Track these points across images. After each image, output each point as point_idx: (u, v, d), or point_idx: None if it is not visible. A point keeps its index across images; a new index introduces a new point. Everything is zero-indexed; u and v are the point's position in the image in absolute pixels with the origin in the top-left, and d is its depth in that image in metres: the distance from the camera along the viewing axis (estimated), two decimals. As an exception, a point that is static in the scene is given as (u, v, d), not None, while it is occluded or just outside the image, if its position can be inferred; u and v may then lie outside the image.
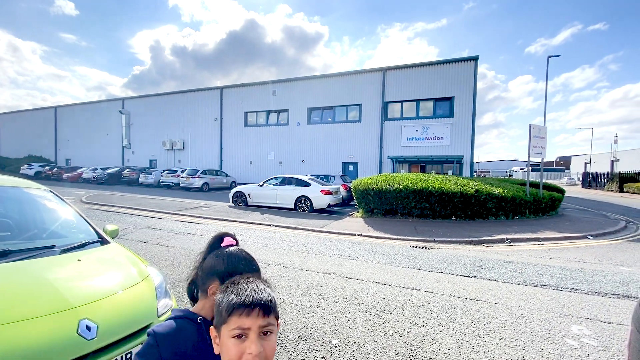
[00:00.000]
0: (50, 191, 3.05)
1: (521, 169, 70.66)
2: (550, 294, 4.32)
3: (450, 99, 19.56)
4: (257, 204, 12.83)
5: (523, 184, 13.67)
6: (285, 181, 12.81)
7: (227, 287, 0.83)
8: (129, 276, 2.24)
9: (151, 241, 6.62)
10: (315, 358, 2.68)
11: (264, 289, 0.82)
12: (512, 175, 62.07)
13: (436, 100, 20.03)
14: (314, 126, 23.73)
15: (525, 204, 10.58)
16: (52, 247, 2.33)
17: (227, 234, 1.17)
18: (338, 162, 22.67)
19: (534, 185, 12.96)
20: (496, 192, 10.13)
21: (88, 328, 1.69)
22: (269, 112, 25.67)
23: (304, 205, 11.97)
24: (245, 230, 8.45)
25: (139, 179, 23.53)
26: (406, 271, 5.18)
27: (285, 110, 24.86)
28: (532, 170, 13.93)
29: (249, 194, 12.99)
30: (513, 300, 4.04)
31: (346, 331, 3.14)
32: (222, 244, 1.14)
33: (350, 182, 15.46)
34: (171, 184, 21.65)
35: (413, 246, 7.10)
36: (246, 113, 26.39)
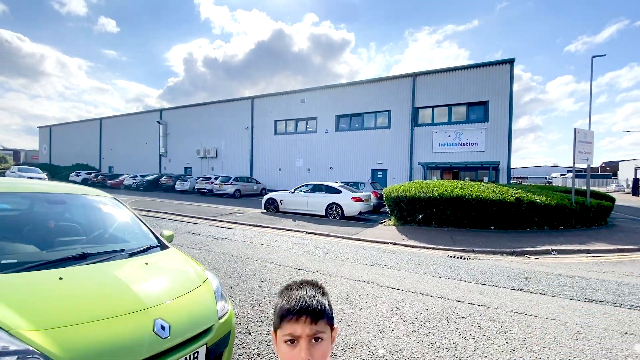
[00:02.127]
0: (115, 198, 3.32)
1: (561, 175, 66.54)
2: (607, 310, 4.04)
3: (484, 103, 18.93)
4: (288, 210, 13.02)
5: (566, 191, 12.88)
6: (316, 188, 12.93)
7: (282, 293, 0.87)
8: (190, 279, 2.39)
9: (193, 246, 6.92)
10: (363, 367, 2.68)
11: (314, 295, 0.83)
12: (551, 182, 58.59)
13: (469, 104, 19.46)
14: (342, 133, 23.82)
15: (571, 213, 9.96)
16: (122, 250, 2.54)
17: None
18: (367, 169, 22.54)
19: (580, 192, 12.18)
20: (539, 200, 9.63)
21: (162, 327, 1.82)
22: (297, 120, 26.11)
23: (334, 212, 12.00)
24: (279, 236, 8.60)
25: (175, 186, 24.66)
26: (447, 282, 5.05)
27: (314, 118, 25.17)
28: (577, 176, 13.09)
29: (280, 201, 13.22)
30: (566, 316, 3.82)
31: (391, 341, 3.11)
32: None
33: (381, 189, 15.32)
34: (205, 190, 22.49)
35: (451, 256, 6.90)
36: (276, 121, 27.00)
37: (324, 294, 0.87)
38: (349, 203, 11.77)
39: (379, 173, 22.27)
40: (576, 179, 13.79)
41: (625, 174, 56.98)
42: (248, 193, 22.49)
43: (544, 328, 3.48)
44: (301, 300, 0.81)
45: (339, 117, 24.06)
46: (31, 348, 1.45)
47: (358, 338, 3.15)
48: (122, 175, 30.02)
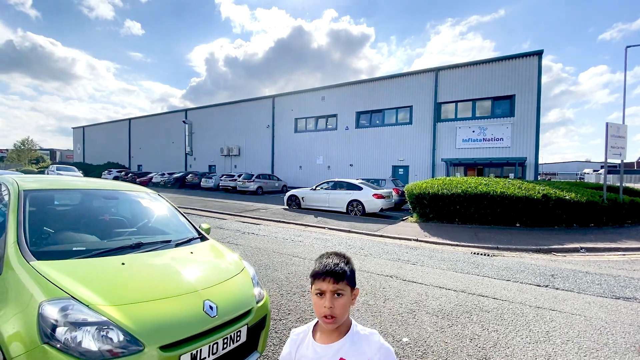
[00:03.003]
0: (159, 195, 3.64)
1: (594, 171, 63.17)
2: (635, 307, 3.99)
3: (510, 97, 18.38)
4: (310, 207, 13.27)
5: (598, 187, 12.37)
6: (337, 185, 13.10)
7: (317, 260, 1.12)
8: (230, 267, 2.64)
9: (222, 240, 7.29)
10: (388, 353, 2.85)
11: (338, 263, 1.07)
12: (583, 178, 55.80)
13: (494, 99, 18.94)
14: (363, 130, 23.80)
15: (602, 210, 9.61)
16: (169, 241, 2.82)
17: None
18: (387, 166, 22.45)
19: (612, 189, 11.67)
20: (567, 197, 9.36)
21: (211, 307, 2.07)
22: (317, 118, 26.32)
23: (355, 209, 12.13)
24: (303, 232, 8.86)
25: (201, 183, 25.54)
26: (470, 277, 5.11)
27: (334, 115, 25.28)
28: (609, 172, 12.56)
29: (302, 198, 13.49)
30: (592, 312, 3.82)
31: (415, 331, 3.26)
32: None
33: (402, 185, 15.29)
34: (229, 187, 23.18)
35: (474, 253, 6.90)
36: (296, 119, 27.33)
37: (347, 262, 1.09)
38: (370, 200, 11.87)
39: (400, 170, 22.12)
40: (609, 175, 13.20)
41: (666, 170, 53.32)
42: (270, 190, 22.97)
43: (568, 323, 3.51)
44: (327, 266, 1.06)
45: (359, 113, 24.06)
46: (108, 320, 1.73)
47: (382, 327, 3.32)
48: (151, 173, 31.39)
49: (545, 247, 7.28)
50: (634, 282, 4.97)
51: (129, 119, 42.86)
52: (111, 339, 1.68)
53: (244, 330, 2.20)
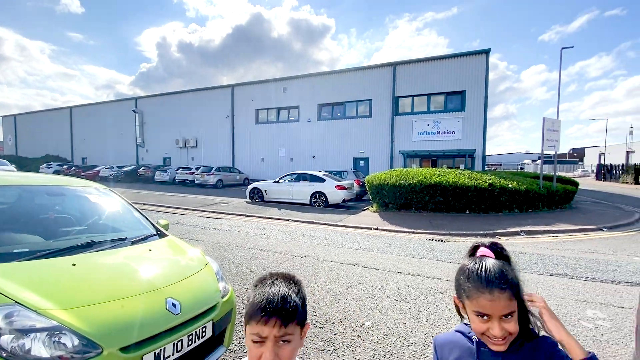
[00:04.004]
0: (111, 190, 3.41)
1: (533, 161, 69.59)
2: (565, 282, 4.54)
3: (461, 93, 19.55)
4: (273, 199, 13.18)
5: (536, 177, 13.71)
6: (300, 177, 13.12)
7: (256, 286, 0.81)
8: (193, 263, 2.58)
9: (182, 236, 7.01)
10: (352, 337, 2.99)
11: (287, 295, 0.77)
12: (523, 169, 61.24)
13: (447, 94, 20.04)
14: (325, 122, 23.96)
15: (538, 197, 10.69)
16: (125, 239, 2.68)
17: (483, 245, 1.00)
18: (349, 158, 22.89)
19: (547, 178, 13.00)
20: (510, 185, 10.27)
21: (174, 305, 2.02)
22: (279, 109, 25.98)
23: (319, 200, 12.28)
24: (266, 225, 8.80)
25: (155, 177, 24.15)
26: (426, 262, 5.45)
27: (296, 107, 25.12)
28: (545, 162, 13.94)
29: (265, 190, 13.34)
30: (531, 288, 4.25)
31: (376, 314, 3.44)
32: (478, 254, 0.98)
33: (363, 177, 15.71)
34: (186, 181, 22.19)
35: (429, 239, 7.35)
36: (257, 110, 26.75)
37: (298, 291, 0.81)
38: (333, 191, 12.07)
39: (361, 162, 22.68)
40: (545, 165, 14.66)
41: (591, 160, 60.40)
42: (230, 183, 22.39)
43: (510, 299, 3.91)
44: (273, 301, 0.75)
45: (320, 105, 24.14)
46: (60, 324, 1.62)
47: (346, 313, 3.45)
48: (98, 166, 29.02)
49: (491, 231, 7.96)
50: (565, 260, 5.63)
51: (70, 107, 39.02)
52: (64, 344, 1.58)
53: (209, 325, 2.18)
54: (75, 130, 38.41)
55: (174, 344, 1.90)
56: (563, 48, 13.96)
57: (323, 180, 12.49)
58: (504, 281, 0.83)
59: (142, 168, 25.86)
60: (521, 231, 7.99)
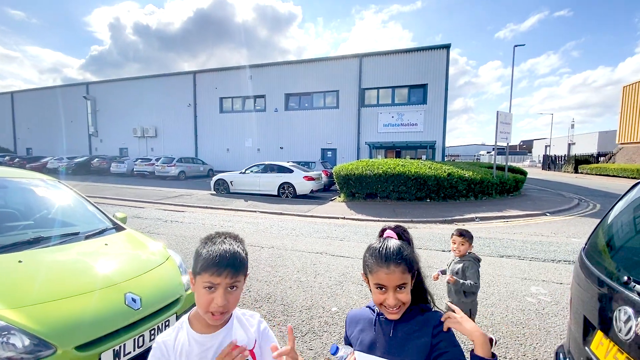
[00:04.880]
0: (60, 181, 3.17)
1: (487, 152, 74.16)
2: (513, 262, 4.96)
3: (424, 86, 20.23)
4: (239, 191, 12.92)
5: (490, 167, 14.67)
6: (268, 168, 12.97)
7: (206, 243, 0.94)
8: (154, 256, 2.49)
9: (141, 230, 6.68)
10: (319, 323, 3.06)
11: (236, 251, 0.93)
12: (479, 159, 65.06)
13: (411, 87, 20.64)
14: (292, 112, 23.74)
15: (492, 186, 11.46)
16: (77, 233, 2.52)
17: (389, 228, 1.11)
18: (317, 149, 22.95)
19: (500, 168, 13.97)
20: (466, 175, 10.90)
21: (133, 300, 1.95)
22: (245, 98, 25.28)
23: (287, 191, 12.24)
24: (233, 217, 8.64)
25: (111, 169, 22.63)
26: (389, 249, 5.67)
27: (262, 96, 24.60)
28: (498, 154, 14.89)
29: (230, 182, 13.04)
30: (482, 269, 4.59)
31: (343, 300, 3.55)
32: (384, 236, 1.09)
33: (331, 168, 15.86)
34: (146, 172, 21.05)
35: (393, 227, 7.63)
36: (221, 99, 25.84)
37: (243, 248, 0.97)
38: (301, 182, 12.07)
39: (328, 152, 22.83)
40: (498, 156, 15.68)
41: (538, 151, 65.60)
42: (194, 175, 21.59)
43: (465, 280, 4.20)
44: (224, 256, 0.89)
45: (288, 95, 23.84)
46: (7, 324, 1.51)
47: (314, 300, 3.52)
48: (45, 157, 26.60)
49: (450, 218, 8.44)
50: (514, 242, 6.13)
51: (12, 93, 35.17)
52: (14, 344, 1.48)
53: (172, 319, 2.13)
54: (18, 118, 34.78)
55: (134, 339, 1.84)
56: (516, 46, 14.90)
57: (291, 171, 12.44)
58: (400, 257, 0.95)
59: (97, 159, 24.10)
60: (476, 217, 8.55)
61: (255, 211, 9.48)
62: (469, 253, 2.63)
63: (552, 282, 4.17)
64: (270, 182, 12.49)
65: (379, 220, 8.27)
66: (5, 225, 2.44)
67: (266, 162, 13.52)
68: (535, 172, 32.29)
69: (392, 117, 20.77)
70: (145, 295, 2.03)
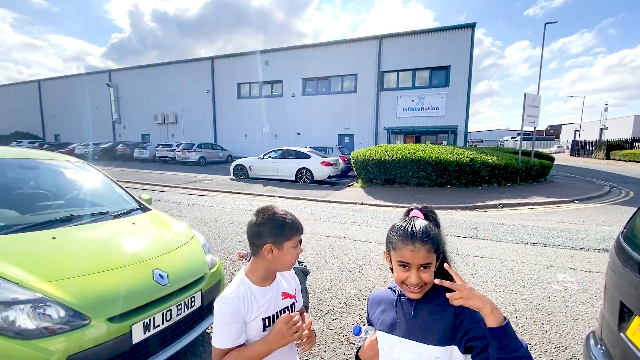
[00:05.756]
0: (89, 164, 3.28)
1: (512, 138, 71.36)
2: (538, 250, 4.80)
3: (446, 68, 19.49)
4: (257, 176, 13.07)
5: (515, 152, 14.12)
6: (286, 154, 13.00)
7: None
8: (179, 236, 2.56)
9: (165, 212, 6.89)
10: (339, 304, 3.09)
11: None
12: (503, 145, 62.79)
13: (432, 69, 19.93)
14: (309, 97, 23.53)
15: (516, 172, 11.06)
16: (106, 213, 2.62)
17: (416, 208, 1.10)
18: (334, 134, 22.76)
19: (526, 153, 13.43)
20: (490, 160, 10.54)
21: (161, 276, 2.01)
22: (262, 84, 25.22)
23: (304, 176, 12.26)
24: (251, 201, 8.77)
25: (134, 154, 23.34)
26: (409, 234, 5.61)
27: (279, 82, 24.46)
28: (524, 139, 14.28)
29: (249, 167, 13.19)
30: (506, 256, 4.51)
31: (362, 283, 3.56)
32: (410, 215, 1.08)
33: (348, 153, 15.73)
34: (167, 158, 21.60)
35: (412, 212, 7.53)
36: (239, 84, 25.89)
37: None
38: (318, 167, 12.06)
39: (346, 138, 22.62)
40: (524, 141, 15.06)
41: (567, 136, 62.54)
42: (213, 160, 21.97)
43: (487, 265, 4.12)
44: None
45: (305, 80, 23.59)
46: (44, 296, 1.59)
47: (333, 282, 3.55)
48: (72, 144, 27.71)
49: (471, 204, 8.23)
50: (539, 230, 5.92)
51: (39, 81, 36.53)
52: (50, 315, 1.57)
53: (198, 296, 2.20)
54: (46, 105, 36.23)
55: (163, 313, 1.91)
56: (547, 23, 14.02)
57: (308, 157, 12.43)
58: (426, 236, 0.94)
59: (120, 145, 24.89)
60: (499, 204, 8.30)
61: (273, 196, 9.57)
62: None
63: (580, 270, 4.02)
64: (288, 168, 12.54)
65: (397, 206, 8.19)
66: (38, 204, 2.56)
67: (284, 148, 13.55)
68: (562, 159, 30.90)
69: (412, 100, 20.22)
70: (172, 272, 2.10)
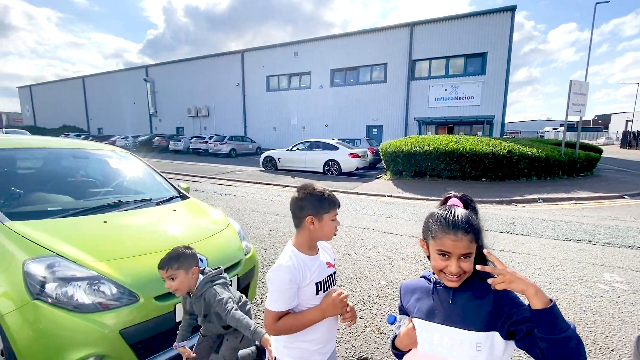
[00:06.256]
0: (131, 153, 3.48)
1: (554, 129, 66.81)
2: (583, 247, 4.51)
3: (482, 55, 18.50)
4: (286, 167, 13.25)
5: (557, 144, 13.23)
6: (313, 145, 13.05)
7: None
8: (216, 223, 2.66)
9: (199, 201, 7.21)
10: (369, 294, 3.10)
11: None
12: (543, 136, 59.04)
13: (467, 56, 18.99)
14: (337, 89, 23.33)
15: (559, 165, 10.39)
16: (149, 200, 2.77)
17: (455, 196, 1.08)
18: (362, 126, 22.48)
19: (570, 145, 12.54)
20: (529, 152, 9.97)
21: (201, 260, 2.10)
22: (290, 76, 25.34)
23: (332, 168, 12.27)
24: (280, 192, 8.92)
25: (169, 146, 24.47)
26: (440, 227, 5.47)
27: (308, 73, 24.43)
28: (568, 130, 13.31)
29: (278, 159, 13.39)
30: (546, 252, 4.28)
31: (392, 275, 3.53)
32: (448, 204, 1.06)
33: (377, 145, 15.51)
34: (200, 150, 22.43)
35: (444, 205, 7.32)
36: (268, 77, 26.18)
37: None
38: (346, 159, 12.01)
39: (374, 130, 22.27)
40: (567, 132, 14.07)
41: (616, 127, 57.57)
42: (243, 152, 22.52)
43: (525, 262, 3.93)
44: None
45: (333, 71, 23.40)
46: (99, 274, 1.73)
47: (362, 273, 3.55)
48: (114, 136, 29.48)
49: (507, 198, 7.86)
50: (583, 226, 5.55)
51: (83, 77, 39.04)
52: (104, 292, 1.70)
53: (234, 280, 2.29)
54: (89, 100, 38.71)
55: (203, 295, 2.01)
56: (597, 3, 12.88)
57: (336, 148, 12.40)
58: (469, 225, 0.92)
59: (157, 137, 26.16)
60: (539, 198, 7.86)
61: (302, 187, 9.66)
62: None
63: (630, 269, 3.74)
64: (316, 159, 12.59)
65: (428, 199, 7.99)
66: (89, 190, 2.76)
67: (312, 140, 13.61)
68: (611, 151, 28.54)
69: (445, 90, 19.45)
70: (211, 256, 2.19)
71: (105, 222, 2.19)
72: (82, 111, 39.61)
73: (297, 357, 1.26)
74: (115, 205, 2.49)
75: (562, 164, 10.43)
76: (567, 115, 10.81)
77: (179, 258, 1.64)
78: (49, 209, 2.24)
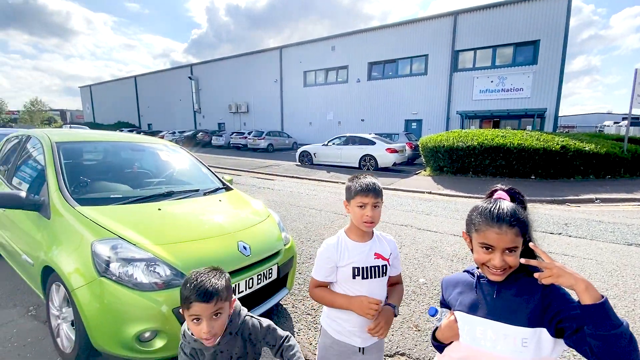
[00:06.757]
0: (180, 147, 3.72)
1: (615, 123, 60.27)
2: (649, 253, 4.08)
3: (534, 43, 17.13)
4: (321, 162, 13.33)
5: (619, 139, 11.96)
6: (349, 140, 12.99)
7: (354, 180, 1.29)
8: (257, 214, 2.77)
9: (239, 194, 7.52)
10: (407, 292, 3.05)
11: (375, 182, 1.28)
12: (602, 131, 53.55)
13: (517, 45, 17.69)
14: (375, 82, 22.91)
15: (620, 162, 9.40)
16: (197, 190, 2.95)
17: (501, 189, 1.06)
18: (400, 120, 21.92)
19: (634, 140, 11.29)
20: (587, 148, 9.13)
21: (245, 248, 2.22)
22: (327, 70, 25.30)
23: (368, 163, 12.14)
24: (316, 186, 9.01)
25: (212, 141, 25.64)
26: (483, 226, 5.22)
27: (345, 67, 24.24)
28: (632, 124, 11.97)
29: (314, 153, 13.51)
30: (604, 257, 3.93)
31: (431, 272, 3.45)
32: (495, 196, 1.04)
33: (416, 140, 15.08)
34: (240, 145, 23.24)
35: (487, 203, 6.96)
36: (305, 72, 26.35)
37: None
38: (383, 154, 11.81)
39: (413, 124, 21.62)
40: (632, 127, 12.66)
41: (694, 120, 50.64)
42: (280, 147, 22.98)
43: (580, 266, 3.64)
44: (369, 185, 1.25)
45: (371, 64, 22.98)
46: (155, 257, 1.89)
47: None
48: (162, 132, 31.49)
49: (560, 198, 7.29)
50: (649, 229, 5.01)
51: (134, 77, 42.06)
52: (158, 273, 1.85)
53: (274, 268, 2.38)
54: (141, 97, 41.60)
55: (246, 281, 2.12)
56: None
57: (373, 143, 12.23)
58: (514, 219, 0.90)
59: (200, 133, 27.51)
60: (596, 198, 7.20)
61: (337, 182, 9.70)
62: None
63: None
64: (352, 154, 12.52)
65: (470, 197, 7.65)
66: (144, 180, 3.00)
67: (348, 134, 13.54)
68: (686, 147, 25.25)
69: (492, 81, 18.32)
70: (254, 245, 2.30)
71: (159, 209, 2.37)
72: (134, 108, 42.70)
73: (337, 330, 1.34)
74: (168, 195, 2.68)
75: (625, 161, 9.43)
76: (631, 107, 9.73)
77: (225, 283, 1.12)
78: (111, 196, 2.47)
